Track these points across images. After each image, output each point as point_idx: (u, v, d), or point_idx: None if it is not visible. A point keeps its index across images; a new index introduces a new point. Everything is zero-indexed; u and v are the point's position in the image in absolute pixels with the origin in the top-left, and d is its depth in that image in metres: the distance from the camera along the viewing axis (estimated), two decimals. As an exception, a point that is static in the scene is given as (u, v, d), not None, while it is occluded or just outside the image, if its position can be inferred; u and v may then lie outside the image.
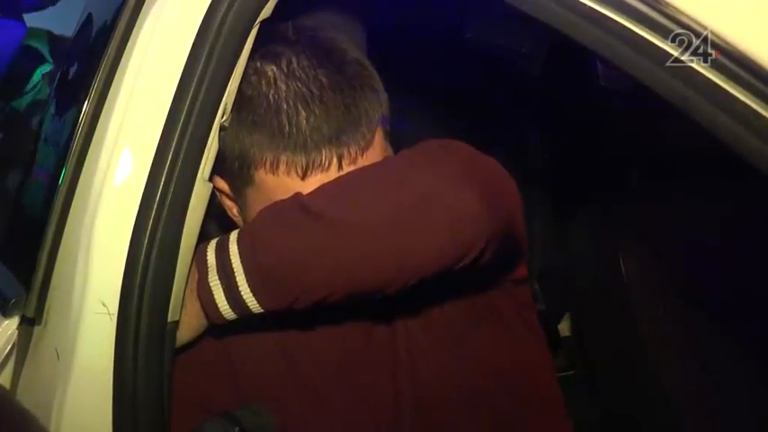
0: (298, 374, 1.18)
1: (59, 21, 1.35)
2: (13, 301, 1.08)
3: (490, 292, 1.23)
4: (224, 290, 1.01)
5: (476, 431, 1.21)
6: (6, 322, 1.10)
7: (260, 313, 1.03)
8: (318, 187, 1.05)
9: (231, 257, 1.01)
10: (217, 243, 1.04)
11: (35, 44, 1.43)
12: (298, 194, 1.05)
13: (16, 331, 1.10)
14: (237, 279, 1.00)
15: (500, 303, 1.24)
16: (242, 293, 1.00)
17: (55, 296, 1.05)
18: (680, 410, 1.76)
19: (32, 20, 1.51)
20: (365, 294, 1.02)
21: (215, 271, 1.02)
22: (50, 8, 1.48)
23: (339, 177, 1.06)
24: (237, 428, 1.06)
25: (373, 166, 1.09)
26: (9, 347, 1.10)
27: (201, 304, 1.04)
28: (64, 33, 1.27)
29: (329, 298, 1.01)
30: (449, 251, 1.01)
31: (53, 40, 1.36)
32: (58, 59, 1.30)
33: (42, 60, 1.38)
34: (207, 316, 1.05)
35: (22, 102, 1.42)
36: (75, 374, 1.01)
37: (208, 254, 1.03)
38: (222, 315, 1.03)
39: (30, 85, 1.39)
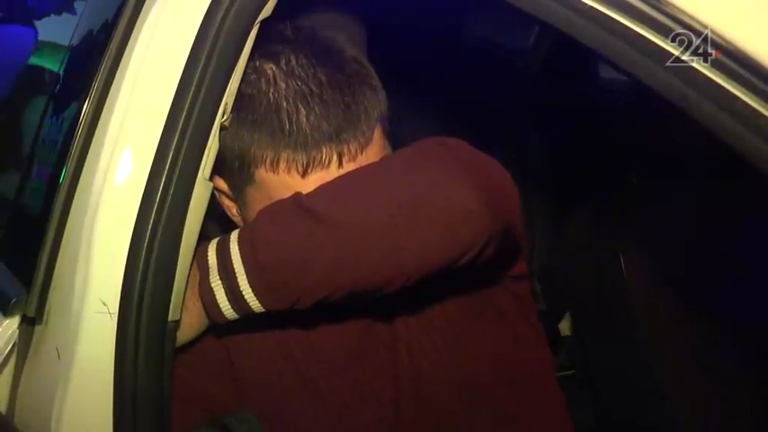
0: (298, 373, 1.19)
1: (60, 21, 1.36)
2: (13, 300, 1.09)
3: (490, 289, 1.23)
4: (225, 290, 1.01)
5: (477, 427, 1.21)
6: (7, 322, 1.10)
7: (261, 313, 1.03)
8: (318, 187, 1.05)
9: (232, 257, 1.01)
10: (218, 243, 1.04)
11: (35, 60, 1.44)
12: (297, 194, 1.05)
13: (17, 331, 1.10)
14: (239, 279, 1.00)
15: (500, 299, 1.24)
16: (243, 294, 1.00)
17: (55, 296, 1.05)
18: (679, 410, 1.76)
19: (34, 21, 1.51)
20: (366, 293, 1.02)
21: (216, 271, 1.02)
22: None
23: (338, 177, 1.06)
24: None
25: (372, 165, 1.09)
26: (10, 347, 1.10)
27: (203, 304, 1.04)
28: (65, 34, 1.27)
29: (330, 297, 1.01)
30: (448, 250, 1.01)
31: (55, 44, 1.36)
32: (59, 60, 1.30)
33: (44, 65, 1.38)
34: (208, 316, 1.05)
35: (24, 102, 1.42)
36: (75, 374, 1.01)
37: (209, 254, 1.04)
38: (224, 315, 1.03)
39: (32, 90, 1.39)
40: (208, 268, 1.03)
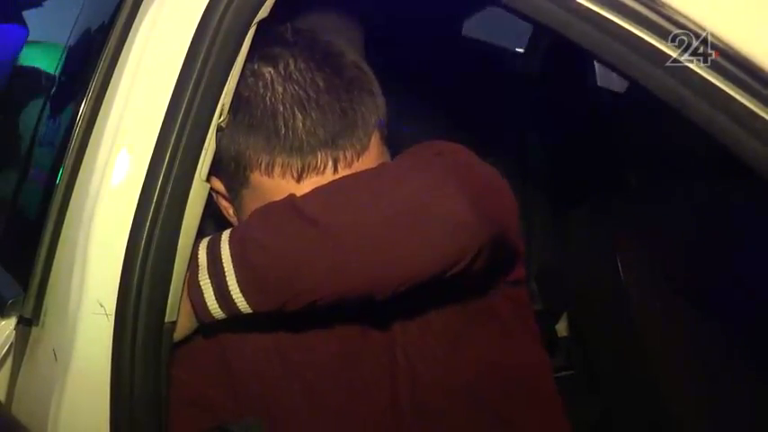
0: (294, 375, 1.18)
1: (57, 20, 1.35)
2: (10, 301, 1.08)
3: (487, 294, 1.23)
4: (214, 289, 1.01)
5: (474, 431, 1.21)
6: (3, 323, 1.10)
7: (250, 313, 1.02)
8: (312, 190, 1.05)
9: (222, 256, 1.01)
10: (209, 241, 1.04)
11: (31, 60, 1.44)
12: (291, 196, 1.05)
13: (13, 332, 1.10)
14: (227, 278, 1.00)
15: (497, 304, 1.24)
16: (231, 293, 1.00)
17: (52, 297, 1.05)
18: (678, 410, 1.76)
19: (31, 21, 1.51)
20: (356, 299, 1.02)
21: (205, 269, 1.02)
22: (48, 8, 1.48)
23: (333, 181, 1.06)
24: None
25: (368, 171, 1.08)
26: (6, 348, 1.10)
27: (191, 302, 1.04)
28: (62, 33, 1.26)
29: (319, 301, 1.01)
30: (438, 260, 1.01)
31: (52, 44, 1.35)
32: (57, 60, 1.29)
33: (41, 65, 1.38)
34: (196, 314, 1.05)
35: (21, 102, 1.42)
36: (72, 375, 1.01)
37: (199, 252, 1.03)
38: (211, 314, 1.03)
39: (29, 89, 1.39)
40: (197, 266, 1.03)
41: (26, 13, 1.50)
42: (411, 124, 1.75)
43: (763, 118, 0.94)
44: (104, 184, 1.01)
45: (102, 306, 0.99)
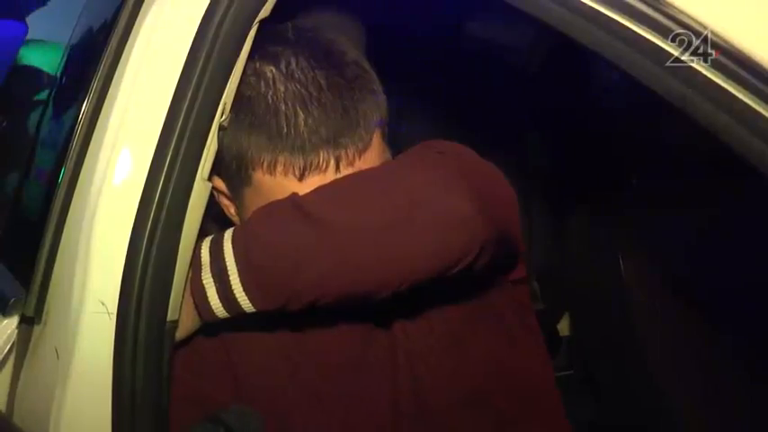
0: (297, 375, 1.18)
1: (59, 21, 1.36)
2: (12, 300, 1.09)
3: (489, 293, 1.23)
4: (216, 288, 1.01)
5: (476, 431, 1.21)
6: (6, 321, 1.10)
7: (253, 313, 1.03)
8: (315, 189, 1.05)
9: (225, 255, 1.01)
10: (211, 241, 1.04)
11: (32, 60, 1.44)
12: (293, 195, 1.05)
13: (16, 330, 1.10)
14: (230, 278, 1.00)
15: (499, 304, 1.24)
16: (234, 292, 1.00)
17: (54, 295, 1.05)
18: (678, 410, 1.76)
19: (33, 20, 1.51)
20: (356, 298, 1.02)
21: (208, 269, 1.02)
22: (50, 8, 1.48)
23: (336, 180, 1.06)
24: (223, 430, 1.06)
25: (370, 170, 1.08)
26: (9, 347, 1.10)
27: (194, 301, 1.04)
28: (64, 33, 1.27)
29: (320, 300, 1.01)
30: (439, 258, 1.01)
31: (54, 44, 1.36)
32: (58, 60, 1.30)
33: (43, 65, 1.38)
34: (199, 314, 1.05)
35: (23, 102, 1.42)
36: (74, 373, 1.01)
37: (202, 251, 1.03)
38: (214, 313, 1.03)
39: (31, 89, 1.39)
40: (200, 265, 1.03)
41: (28, 13, 1.50)
42: (411, 123, 1.75)
43: (764, 116, 0.94)
44: (106, 183, 1.01)
45: (103, 305, 0.99)
